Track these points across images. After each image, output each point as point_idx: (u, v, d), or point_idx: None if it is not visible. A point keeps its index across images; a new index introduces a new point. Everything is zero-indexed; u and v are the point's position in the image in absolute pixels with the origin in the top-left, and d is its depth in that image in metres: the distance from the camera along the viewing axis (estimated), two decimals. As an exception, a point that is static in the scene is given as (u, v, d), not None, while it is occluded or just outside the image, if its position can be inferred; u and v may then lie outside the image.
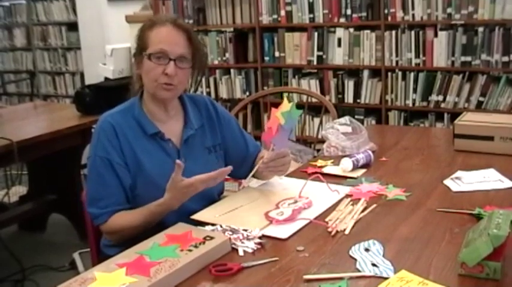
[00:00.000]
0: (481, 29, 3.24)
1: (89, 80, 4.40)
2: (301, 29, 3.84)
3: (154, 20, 1.53)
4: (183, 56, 1.51)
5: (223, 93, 4.21)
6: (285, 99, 1.54)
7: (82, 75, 5.41)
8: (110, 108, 1.61)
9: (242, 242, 1.31)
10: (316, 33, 3.74)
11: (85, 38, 4.84)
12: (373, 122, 3.67)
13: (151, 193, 1.49)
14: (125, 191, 1.52)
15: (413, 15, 3.39)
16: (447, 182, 1.67)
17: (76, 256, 2.97)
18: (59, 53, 5.69)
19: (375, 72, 3.66)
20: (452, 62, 3.35)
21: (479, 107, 3.32)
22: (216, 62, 4.15)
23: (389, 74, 3.55)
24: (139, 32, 1.56)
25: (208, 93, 4.23)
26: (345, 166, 1.82)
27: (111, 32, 4.55)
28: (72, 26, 5.34)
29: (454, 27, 3.33)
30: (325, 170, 1.83)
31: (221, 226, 1.39)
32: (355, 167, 1.82)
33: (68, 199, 3.03)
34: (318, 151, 2.33)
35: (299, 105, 1.65)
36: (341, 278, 1.14)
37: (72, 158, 3.20)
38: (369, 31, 3.56)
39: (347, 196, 1.60)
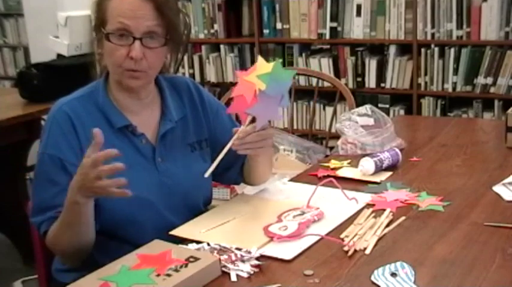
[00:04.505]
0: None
1: (36, 58, 4.39)
2: (309, -7, 3.86)
3: None
4: (151, 32, 1.49)
5: (211, 76, 4.22)
6: (260, 59, 1.49)
7: (26, 50, 5.40)
8: (64, 94, 1.61)
9: (235, 265, 1.32)
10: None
11: (29, 2, 4.83)
12: (402, 112, 3.70)
13: (120, 201, 1.48)
14: None
15: (454, -26, 3.41)
16: (497, 188, 1.68)
17: (18, 285, 2.98)
18: (-6, 21, 5.69)
19: (404, 49, 3.69)
20: (506, 34, 3.37)
21: (539, 92, 3.35)
22: (201, 36, 4.17)
23: (422, 50, 3.58)
24: (96, 0, 1.56)
25: (192, 76, 4.24)
26: (365, 168, 1.84)
27: (65, -6, 4.54)
28: (12, -14, 5.35)
29: (509, -12, 3.35)
30: (340, 173, 1.85)
31: (208, 244, 1.40)
32: (378, 169, 1.84)
33: (9, 211, 3.04)
34: (331, 148, 2.34)
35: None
36: (361, 310, 1.15)
37: (14, 159, 3.20)
38: (396, -5, 3.59)
39: (368, 205, 1.61)
